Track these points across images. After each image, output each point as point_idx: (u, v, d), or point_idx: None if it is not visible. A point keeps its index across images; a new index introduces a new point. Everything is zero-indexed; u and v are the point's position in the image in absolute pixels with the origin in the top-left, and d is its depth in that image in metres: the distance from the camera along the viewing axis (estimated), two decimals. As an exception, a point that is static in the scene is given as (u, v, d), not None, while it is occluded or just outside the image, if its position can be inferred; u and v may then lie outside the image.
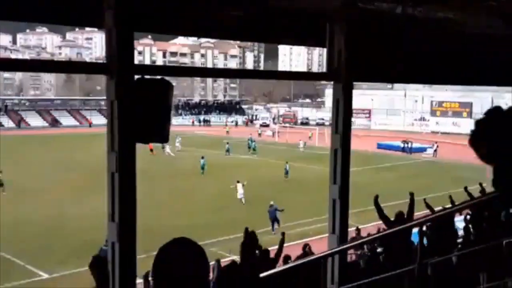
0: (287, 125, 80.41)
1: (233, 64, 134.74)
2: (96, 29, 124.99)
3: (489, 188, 9.12)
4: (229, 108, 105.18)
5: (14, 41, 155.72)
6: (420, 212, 10.40)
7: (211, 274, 11.46)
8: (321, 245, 12.96)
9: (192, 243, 1.85)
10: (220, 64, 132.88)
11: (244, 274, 4.09)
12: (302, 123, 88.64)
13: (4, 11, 4.68)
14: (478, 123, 1.81)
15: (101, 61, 6.68)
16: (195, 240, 1.88)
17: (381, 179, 36.46)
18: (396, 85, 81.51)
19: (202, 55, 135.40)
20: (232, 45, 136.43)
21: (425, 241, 6.60)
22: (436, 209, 9.93)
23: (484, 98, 66.93)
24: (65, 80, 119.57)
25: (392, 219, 8.22)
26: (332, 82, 6.55)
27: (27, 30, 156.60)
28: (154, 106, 4.75)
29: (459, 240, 8.88)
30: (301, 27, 6.28)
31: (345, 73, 6.26)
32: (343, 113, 6.37)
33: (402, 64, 6.91)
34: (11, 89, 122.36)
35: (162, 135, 4.87)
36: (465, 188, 11.95)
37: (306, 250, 13.28)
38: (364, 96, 77.88)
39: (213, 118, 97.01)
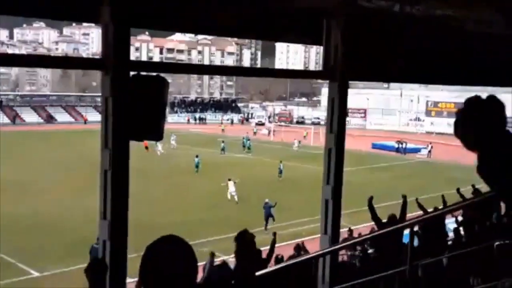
0: (282, 123, 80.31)
1: (230, 61, 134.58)
2: (93, 25, 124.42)
3: (483, 190, 9.14)
4: (225, 106, 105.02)
5: (11, 36, 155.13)
6: (413, 214, 10.45)
7: (201, 273, 11.42)
8: (313, 246, 12.98)
9: (181, 241, 1.83)
10: (217, 61, 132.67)
11: (236, 274, 4.11)
12: (297, 122, 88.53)
13: (1, 6, 4.66)
14: (460, 111, 1.88)
15: (97, 57, 6.67)
16: (185, 238, 1.87)
17: (375, 179, 36.52)
18: (392, 85, 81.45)
19: (199, 52, 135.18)
20: (230, 42, 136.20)
21: (417, 242, 6.63)
22: (428, 210, 9.96)
23: (480, 99, 66.80)
24: (61, 76, 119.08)
25: (384, 220, 8.25)
26: (328, 81, 6.54)
27: (24, 25, 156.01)
28: (149, 103, 4.74)
29: (450, 242, 8.91)
30: (299, 25, 6.26)
31: (341, 72, 6.25)
32: (338, 112, 6.37)
33: (399, 64, 6.87)
34: (7, 84, 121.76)
35: (156, 133, 4.86)
36: (458, 190, 12.00)
37: (300, 246, 13.33)
38: (359, 95, 77.84)
39: (209, 116, 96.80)
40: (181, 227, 18.37)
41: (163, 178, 36.00)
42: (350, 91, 6.66)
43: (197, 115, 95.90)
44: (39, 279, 18.72)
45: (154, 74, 4.93)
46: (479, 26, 6.78)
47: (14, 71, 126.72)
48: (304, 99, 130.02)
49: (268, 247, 9.49)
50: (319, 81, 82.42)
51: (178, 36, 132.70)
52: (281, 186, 34.39)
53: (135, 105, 4.67)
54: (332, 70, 6.28)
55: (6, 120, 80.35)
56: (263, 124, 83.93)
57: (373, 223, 8.95)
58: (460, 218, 10.76)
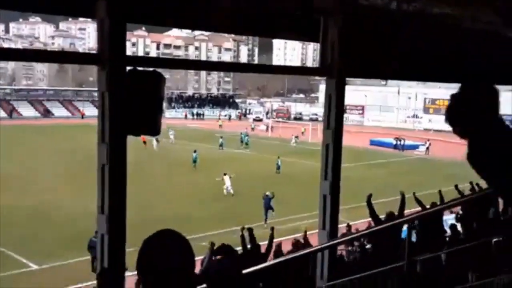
0: (280, 120, 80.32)
1: (227, 57, 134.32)
2: (89, 20, 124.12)
3: (480, 187, 9.13)
4: (222, 101, 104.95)
5: (6, 30, 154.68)
6: (411, 210, 10.45)
7: (198, 267, 11.44)
8: (311, 241, 12.99)
9: (177, 235, 1.81)
10: (214, 57, 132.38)
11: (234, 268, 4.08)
12: (295, 118, 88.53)
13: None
14: (452, 97, 1.82)
15: (93, 52, 6.62)
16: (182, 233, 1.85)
17: (373, 175, 36.57)
18: (390, 82, 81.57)
19: (196, 48, 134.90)
20: (227, 38, 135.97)
21: (415, 238, 6.62)
22: (426, 206, 9.97)
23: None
24: (58, 70, 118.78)
25: (382, 216, 8.26)
26: (325, 78, 6.54)
27: (20, 20, 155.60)
28: (146, 98, 4.72)
29: (448, 238, 8.92)
30: (296, 22, 6.26)
31: (338, 68, 6.25)
32: (335, 108, 6.37)
33: (396, 61, 6.88)
34: (4, 78, 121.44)
35: (153, 128, 4.84)
36: (456, 186, 12.02)
37: (303, 238, 13.34)
38: (357, 92, 77.91)
39: (207, 111, 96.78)
40: (175, 221, 18.37)
41: (159, 172, 36.03)
42: (348, 88, 6.68)
43: (195, 110, 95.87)
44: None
45: (151, 69, 4.91)
46: (476, 23, 6.77)
47: (11, 65, 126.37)
48: (302, 95, 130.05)
49: (267, 242, 9.52)
50: (317, 77, 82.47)
51: (175, 31, 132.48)
52: (279, 181, 34.39)
53: (132, 100, 4.65)
54: (329, 67, 6.28)
55: (3, 114, 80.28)
56: (261, 120, 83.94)
57: (370, 219, 8.96)
58: (459, 215, 10.79)
